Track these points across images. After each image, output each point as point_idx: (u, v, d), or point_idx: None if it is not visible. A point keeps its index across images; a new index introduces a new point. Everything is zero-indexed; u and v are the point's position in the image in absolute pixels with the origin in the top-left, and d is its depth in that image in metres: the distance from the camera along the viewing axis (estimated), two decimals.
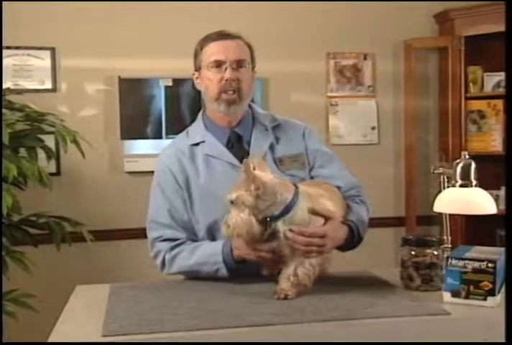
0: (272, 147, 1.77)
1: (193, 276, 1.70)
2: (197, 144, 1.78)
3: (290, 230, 1.46)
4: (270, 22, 3.28)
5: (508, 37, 1.25)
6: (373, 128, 3.50)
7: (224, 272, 1.64)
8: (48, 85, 3.11)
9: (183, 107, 3.17)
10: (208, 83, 1.73)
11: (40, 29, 3.07)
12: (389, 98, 3.51)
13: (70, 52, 3.12)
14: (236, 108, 1.74)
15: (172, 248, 1.71)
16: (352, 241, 1.62)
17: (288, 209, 1.45)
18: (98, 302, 1.50)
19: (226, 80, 1.69)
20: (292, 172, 1.75)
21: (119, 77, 3.15)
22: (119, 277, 2.97)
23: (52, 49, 3.10)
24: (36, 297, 2.62)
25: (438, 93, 3.53)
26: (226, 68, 1.69)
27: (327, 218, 1.52)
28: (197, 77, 1.79)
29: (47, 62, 3.10)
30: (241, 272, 1.63)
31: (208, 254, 1.65)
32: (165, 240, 1.72)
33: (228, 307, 1.40)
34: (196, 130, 1.82)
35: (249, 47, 1.77)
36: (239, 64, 1.71)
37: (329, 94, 3.45)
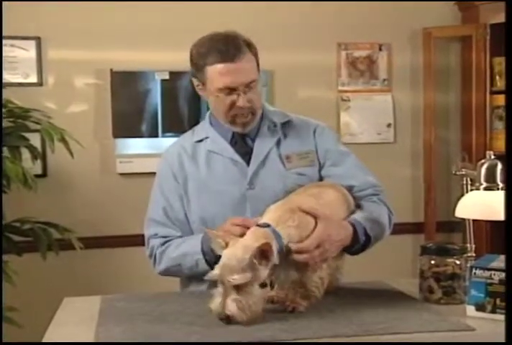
0: (279, 143, 1.82)
1: (179, 273, 1.78)
2: (201, 141, 1.86)
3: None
4: (275, 10, 3.27)
5: (507, 36, 1.28)
6: (389, 125, 3.50)
7: (203, 263, 1.67)
8: (33, 79, 3.12)
9: (180, 103, 3.17)
10: (218, 104, 1.76)
11: (24, 17, 3.07)
12: (406, 93, 3.50)
13: (57, 42, 3.12)
14: (251, 126, 1.80)
15: (163, 243, 1.78)
16: (358, 240, 1.61)
17: (281, 251, 1.44)
18: (89, 316, 1.50)
19: (240, 106, 1.72)
20: (299, 170, 1.79)
21: (111, 70, 3.15)
22: (111, 288, 2.98)
23: (38, 39, 3.11)
24: (19, 311, 2.62)
25: (460, 86, 3.53)
26: (238, 94, 1.71)
27: (315, 218, 1.51)
28: (198, 85, 1.80)
29: (32, 54, 3.11)
30: None
31: (191, 244, 1.72)
32: (158, 237, 1.80)
33: None
34: (202, 127, 1.90)
35: (255, 53, 1.76)
36: (250, 85, 1.72)
37: (341, 88, 3.45)
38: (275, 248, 1.41)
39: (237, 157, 1.80)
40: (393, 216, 1.78)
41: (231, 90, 1.71)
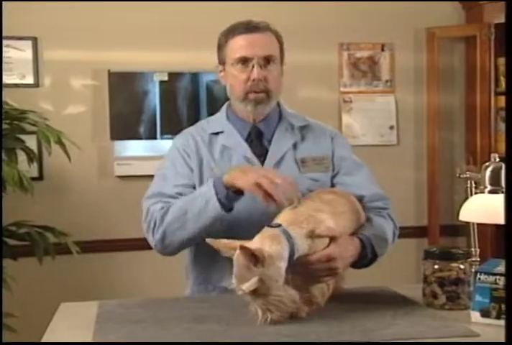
0: (295, 146, 1.83)
1: (180, 233, 1.68)
2: (216, 134, 1.85)
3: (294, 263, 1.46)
4: (275, 9, 3.27)
5: (508, 36, 1.28)
6: (391, 127, 3.50)
7: (214, 203, 1.62)
8: (29, 80, 3.12)
9: (179, 104, 3.17)
10: (234, 80, 1.78)
11: (20, 17, 3.07)
12: (409, 94, 3.51)
13: (53, 42, 3.13)
14: (264, 107, 1.81)
15: (165, 206, 1.71)
16: (366, 257, 1.63)
17: (291, 255, 1.43)
18: (86, 322, 1.50)
19: (253, 80, 1.74)
20: (313, 175, 1.80)
21: (109, 70, 3.16)
22: (109, 294, 2.98)
23: (34, 40, 3.11)
24: (15, 317, 2.62)
25: (464, 87, 3.53)
26: (253, 66, 1.74)
27: (331, 237, 1.52)
28: (221, 71, 1.84)
29: (28, 54, 3.11)
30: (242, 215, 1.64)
31: (201, 188, 1.70)
32: (161, 202, 1.73)
33: (230, 326, 1.40)
34: (217, 119, 1.90)
35: (279, 39, 1.83)
36: (267, 60, 1.76)
37: (342, 90, 3.45)
38: (286, 248, 1.40)
39: (251, 155, 1.79)
40: (397, 232, 1.81)
41: (247, 61, 1.74)
